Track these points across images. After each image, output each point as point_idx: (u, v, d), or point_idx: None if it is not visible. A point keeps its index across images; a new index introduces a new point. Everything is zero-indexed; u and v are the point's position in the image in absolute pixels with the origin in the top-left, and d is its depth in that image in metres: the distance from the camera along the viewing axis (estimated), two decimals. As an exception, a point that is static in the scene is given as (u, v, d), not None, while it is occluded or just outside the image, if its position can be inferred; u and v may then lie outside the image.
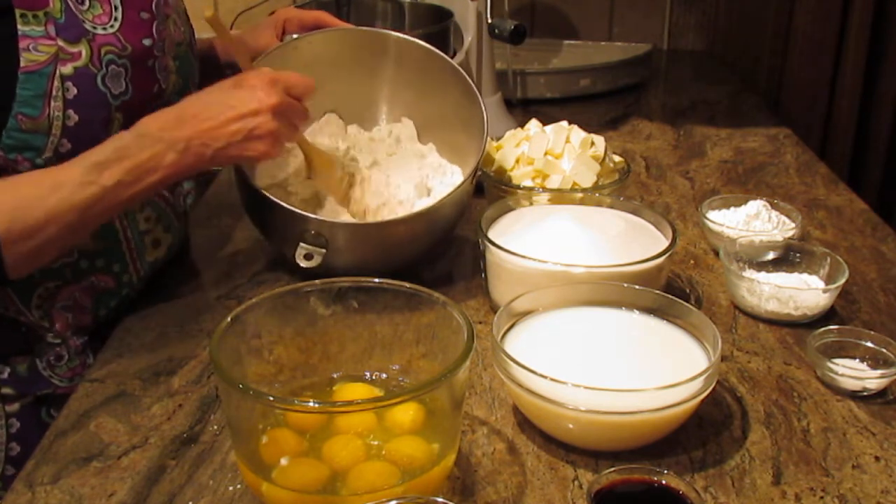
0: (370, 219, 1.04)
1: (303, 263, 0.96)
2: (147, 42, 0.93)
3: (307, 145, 1.03)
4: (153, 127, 0.88)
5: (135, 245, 0.99)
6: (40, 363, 0.98)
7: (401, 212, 1.05)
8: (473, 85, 1.08)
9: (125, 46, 0.91)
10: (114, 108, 0.90)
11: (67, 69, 0.87)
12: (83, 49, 0.87)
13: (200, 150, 0.88)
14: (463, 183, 1.02)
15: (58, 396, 0.99)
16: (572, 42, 2.06)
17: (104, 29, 0.89)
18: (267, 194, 0.97)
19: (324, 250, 0.96)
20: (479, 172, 1.05)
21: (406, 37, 1.11)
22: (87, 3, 0.89)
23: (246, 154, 0.91)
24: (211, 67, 1.18)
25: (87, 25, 0.88)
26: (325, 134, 1.13)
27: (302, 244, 0.96)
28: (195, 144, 0.88)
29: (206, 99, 0.92)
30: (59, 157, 0.88)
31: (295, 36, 1.13)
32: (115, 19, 0.91)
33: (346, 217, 1.03)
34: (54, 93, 0.86)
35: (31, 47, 0.85)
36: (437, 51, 1.10)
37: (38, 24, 0.85)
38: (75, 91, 0.87)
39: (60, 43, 0.86)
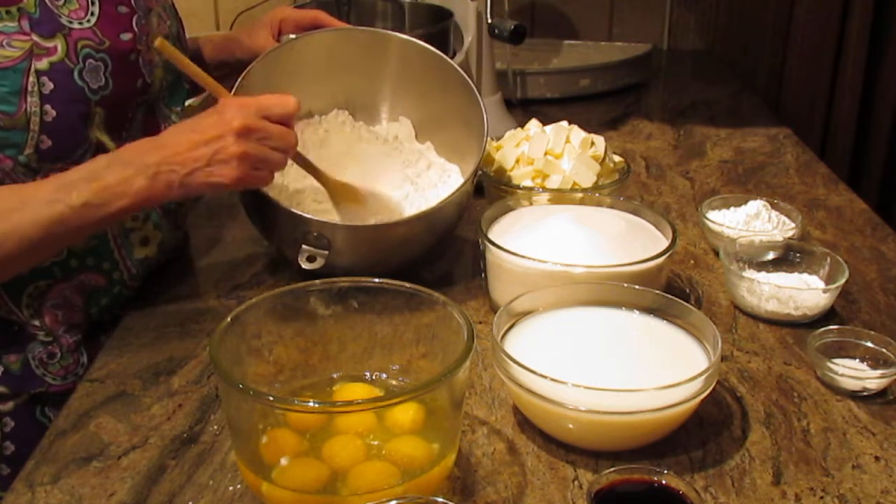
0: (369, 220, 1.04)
1: (305, 265, 0.96)
2: (126, 37, 0.93)
3: (327, 179, 1.04)
4: (128, 153, 0.88)
5: (122, 242, 0.99)
6: (33, 361, 0.98)
7: (396, 210, 1.05)
8: (473, 85, 1.08)
9: (102, 41, 0.91)
10: (93, 102, 0.90)
11: (43, 64, 0.87)
12: (59, 44, 0.87)
13: (169, 176, 0.87)
14: (464, 184, 1.02)
15: (52, 395, 0.99)
16: (572, 42, 2.06)
17: (80, 23, 0.89)
18: (269, 195, 0.97)
19: (326, 252, 0.96)
20: (480, 173, 1.05)
21: (405, 37, 1.11)
22: None
23: (213, 180, 0.88)
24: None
25: (63, 20, 0.88)
26: (333, 129, 1.12)
27: (304, 246, 0.96)
28: (163, 170, 0.87)
29: (181, 126, 0.91)
30: (41, 154, 0.88)
31: (292, 36, 1.13)
32: (92, 14, 0.91)
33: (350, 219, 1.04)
34: (30, 88, 0.86)
35: (4, 43, 0.85)
36: (437, 51, 1.10)
37: (12, 19, 0.85)
38: (52, 86, 0.87)
39: (35, 38, 0.86)
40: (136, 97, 0.96)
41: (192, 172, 0.87)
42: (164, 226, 1.05)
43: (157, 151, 0.87)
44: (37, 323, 0.97)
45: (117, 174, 0.86)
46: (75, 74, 0.88)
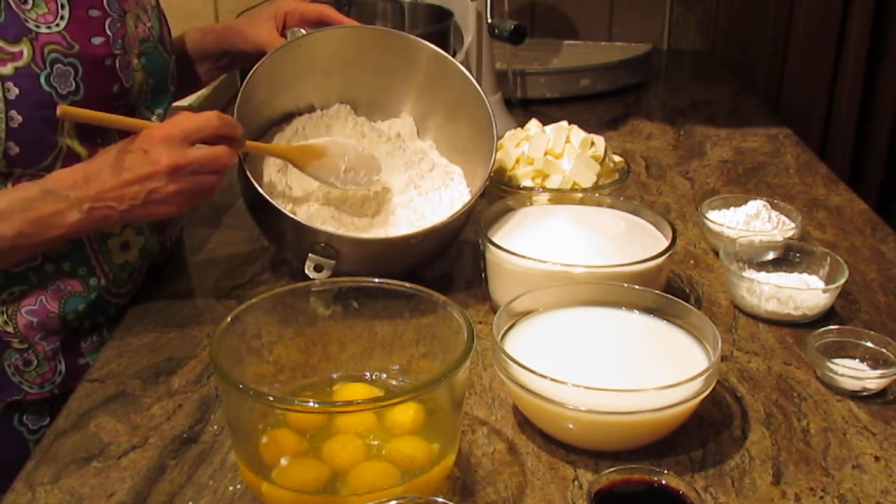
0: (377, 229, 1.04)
1: (312, 275, 0.96)
2: (97, 41, 0.92)
3: (284, 151, 1.02)
4: (61, 184, 0.87)
5: (98, 248, 0.98)
6: (9, 369, 0.96)
7: (400, 214, 1.05)
8: (481, 91, 1.07)
9: (71, 45, 0.89)
10: None
11: (7, 69, 0.86)
12: (24, 48, 0.86)
13: (106, 212, 0.87)
14: (475, 196, 1.02)
15: (30, 403, 0.99)
16: (572, 42, 2.06)
17: (48, 28, 0.88)
18: (276, 205, 0.96)
19: (333, 262, 0.96)
20: (487, 182, 1.05)
21: (418, 39, 1.11)
22: (30, 1, 0.88)
23: (154, 214, 0.89)
24: (180, 65, 1.16)
25: (31, 24, 0.87)
26: (335, 124, 1.12)
27: (311, 255, 0.96)
28: (98, 206, 0.87)
29: (109, 158, 0.88)
30: (10, 161, 0.88)
31: (302, 31, 1.13)
32: (62, 18, 0.89)
33: (354, 231, 1.03)
34: None
35: None
36: (443, 52, 1.10)
37: None
38: (17, 91, 0.86)
39: None
40: (113, 102, 0.94)
41: (131, 209, 0.88)
42: (145, 231, 1.03)
43: (86, 186, 0.86)
44: (10, 330, 0.95)
45: (51, 207, 0.86)
46: (42, 79, 0.87)
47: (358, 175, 1.04)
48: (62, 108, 0.85)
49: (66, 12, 0.90)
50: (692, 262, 1.12)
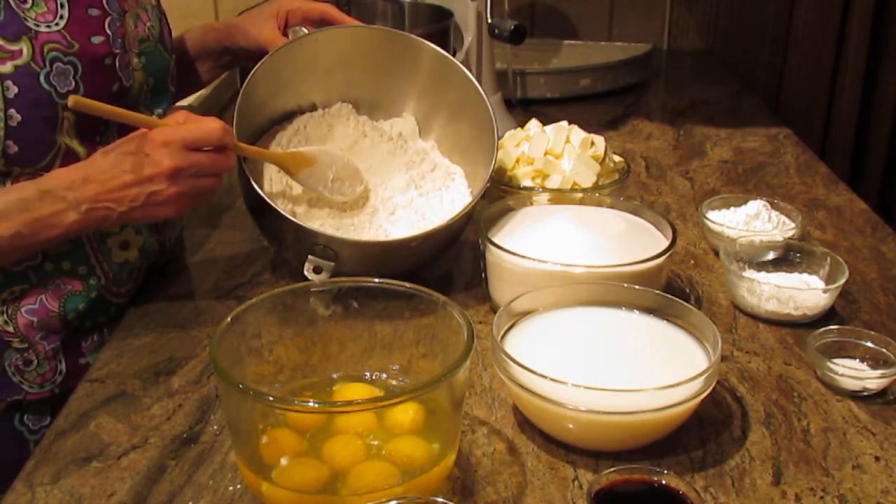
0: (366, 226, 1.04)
1: (311, 276, 0.96)
2: (97, 40, 0.92)
3: (276, 157, 1.02)
4: (58, 184, 0.87)
5: (98, 247, 0.98)
6: (9, 369, 0.96)
7: (400, 215, 1.06)
8: (483, 93, 1.07)
9: (71, 44, 0.89)
10: (61, 106, 0.89)
11: (7, 67, 0.86)
12: (24, 47, 0.86)
13: (105, 213, 0.88)
14: (476, 199, 1.02)
15: (31, 403, 0.99)
16: (572, 42, 2.06)
17: (48, 27, 0.88)
18: (276, 206, 0.96)
19: (332, 263, 0.96)
20: (488, 184, 1.04)
21: (420, 39, 1.11)
22: (30, 0, 0.88)
23: (152, 216, 0.90)
24: (182, 64, 1.16)
25: (30, 23, 0.87)
26: (337, 123, 1.12)
27: (311, 257, 0.96)
28: (99, 207, 0.87)
29: (109, 159, 0.88)
30: (8, 160, 0.88)
31: (304, 30, 1.12)
32: (61, 17, 0.89)
33: (353, 233, 1.03)
34: None
35: None
36: (446, 53, 1.10)
37: None
38: (16, 90, 0.86)
39: None
40: (112, 101, 0.93)
41: (130, 210, 0.88)
42: (143, 230, 1.03)
43: (84, 186, 0.87)
44: (11, 329, 0.95)
45: (49, 207, 0.86)
46: (41, 78, 0.87)
47: (343, 185, 1.05)
48: (74, 98, 0.85)
49: (65, 11, 0.90)
50: (692, 262, 1.12)
